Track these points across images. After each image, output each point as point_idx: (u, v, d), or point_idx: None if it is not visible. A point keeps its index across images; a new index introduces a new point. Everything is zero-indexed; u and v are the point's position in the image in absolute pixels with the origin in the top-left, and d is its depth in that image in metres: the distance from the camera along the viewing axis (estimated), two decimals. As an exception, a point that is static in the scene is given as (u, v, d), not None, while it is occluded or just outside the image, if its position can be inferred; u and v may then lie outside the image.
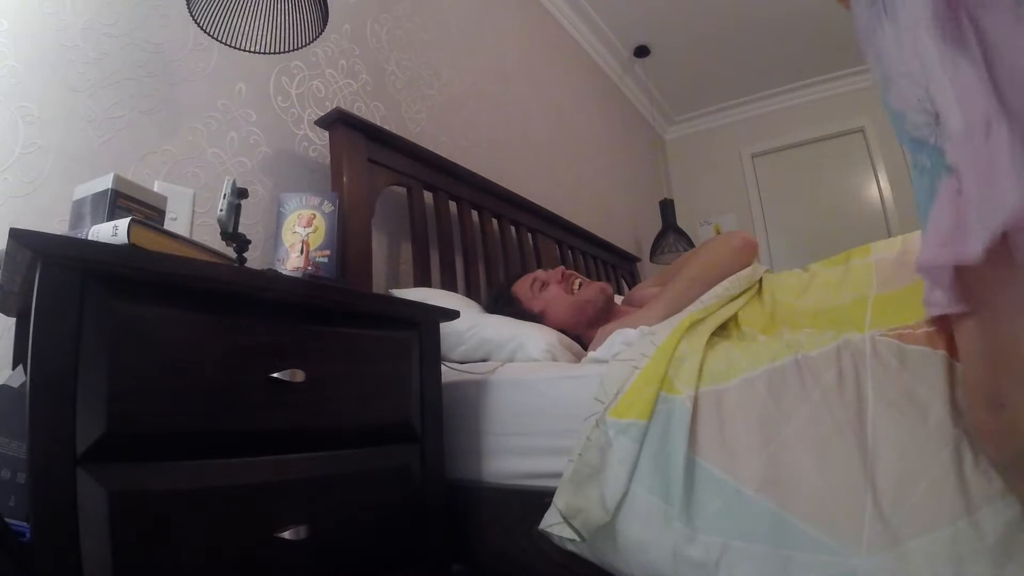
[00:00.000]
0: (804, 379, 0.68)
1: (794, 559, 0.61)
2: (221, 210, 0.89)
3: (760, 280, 1.11)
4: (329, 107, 1.45)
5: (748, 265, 1.16)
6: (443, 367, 1.01)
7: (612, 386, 0.80)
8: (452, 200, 1.73)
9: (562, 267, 1.39)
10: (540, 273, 1.38)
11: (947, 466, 0.57)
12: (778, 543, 0.62)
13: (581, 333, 1.28)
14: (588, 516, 0.74)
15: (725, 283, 1.06)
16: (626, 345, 0.89)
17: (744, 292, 1.06)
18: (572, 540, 0.76)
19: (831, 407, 0.65)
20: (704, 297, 1.03)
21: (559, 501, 0.77)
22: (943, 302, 0.52)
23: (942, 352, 0.61)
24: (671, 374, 0.77)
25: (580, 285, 1.33)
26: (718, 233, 3.79)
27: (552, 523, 0.77)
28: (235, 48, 1.11)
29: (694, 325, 0.86)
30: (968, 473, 0.56)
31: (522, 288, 1.35)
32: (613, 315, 1.32)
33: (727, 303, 1.01)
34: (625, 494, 0.73)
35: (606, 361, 0.89)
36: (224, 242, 0.91)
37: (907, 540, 0.56)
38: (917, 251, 1.04)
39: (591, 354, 0.99)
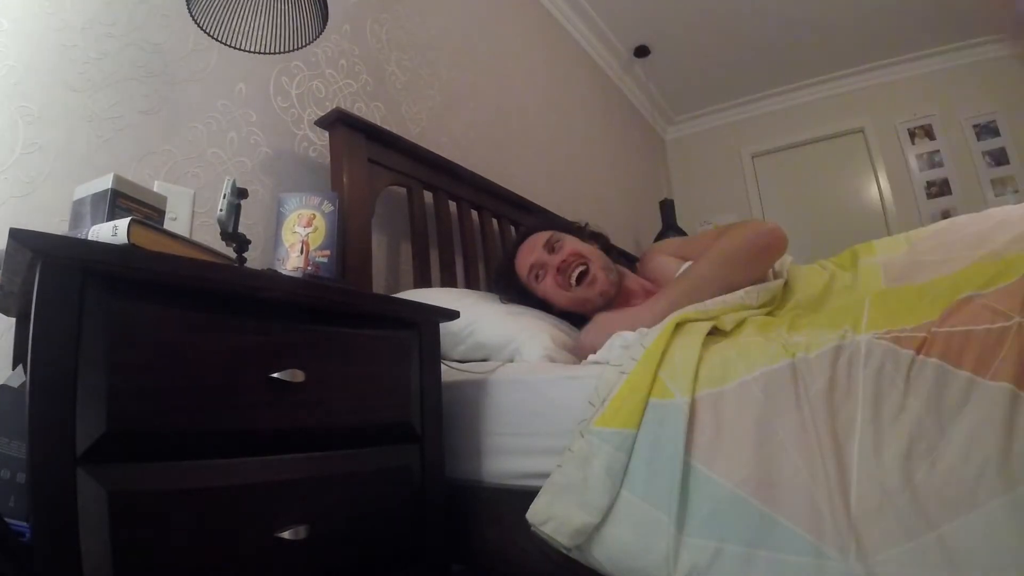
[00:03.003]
0: (798, 383, 0.68)
1: (785, 562, 0.61)
2: (221, 210, 0.89)
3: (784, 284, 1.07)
4: (329, 107, 1.45)
5: (770, 266, 1.09)
6: (443, 367, 1.01)
7: (602, 392, 0.80)
8: (452, 200, 1.73)
9: (562, 256, 1.28)
10: (541, 257, 1.30)
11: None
12: (771, 546, 0.62)
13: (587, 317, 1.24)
14: (558, 526, 0.75)
15: (740, 293, 1.00)
16: (623, 348, 0.88)
17: (761, 306, 1.00)
18: (554, 540, 0.76)
19: (819, 412, 0.65)
20: (710, 303, 0.96)
21: (532, 507, 0.78)
22: None
23: (934, 360, 0.60)
24: (663, 376, 0.76)
25: (578, 277, 1.26)
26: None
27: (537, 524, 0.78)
28: (235, 48, 1.11)
29: (681, 326, 0.84)
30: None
31: (523, 271, 1.33)
32: (622, 292, 1.30)
33: (735, 311, 0.94)
34: (615, 501, 0.73)
35: (606, 363, 0.88)
36: (224, 242, 0.91)
37: (875, 552, 0.56)
38: (925, 251, 1.04)
39: (592, 356, 0.98)
